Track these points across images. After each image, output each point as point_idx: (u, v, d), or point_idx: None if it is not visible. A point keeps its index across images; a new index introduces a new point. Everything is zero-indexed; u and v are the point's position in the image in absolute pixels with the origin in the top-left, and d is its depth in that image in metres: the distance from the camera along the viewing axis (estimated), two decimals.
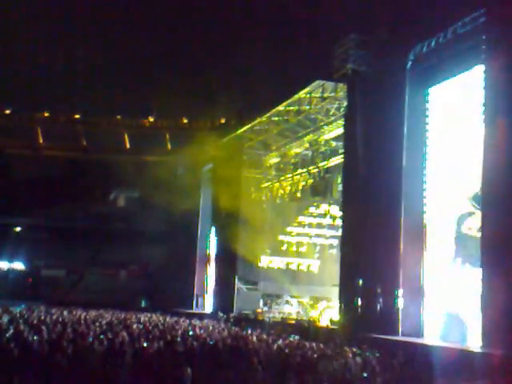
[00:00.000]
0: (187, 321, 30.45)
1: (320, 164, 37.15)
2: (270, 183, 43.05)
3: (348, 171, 30.53)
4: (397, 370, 15.40)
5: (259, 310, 38.47)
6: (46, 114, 64.25)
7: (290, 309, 39.20)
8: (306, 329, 29.34)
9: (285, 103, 35.14)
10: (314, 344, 20.10)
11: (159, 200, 47.19)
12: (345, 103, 31.37)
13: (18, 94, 63.01)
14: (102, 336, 18.19)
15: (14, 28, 57.69)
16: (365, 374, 14.50)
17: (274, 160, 43.08)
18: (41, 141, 64.49)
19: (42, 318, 26.23)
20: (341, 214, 33.50)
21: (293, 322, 33.81)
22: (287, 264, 42.84)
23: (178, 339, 18.60)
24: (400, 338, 23.78)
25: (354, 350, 18.41)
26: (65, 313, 31.77)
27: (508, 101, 20.38)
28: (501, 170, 20.33)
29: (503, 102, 20.57)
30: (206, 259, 47.51)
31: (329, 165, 36.83)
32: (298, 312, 38.59)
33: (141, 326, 24.24)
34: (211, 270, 46.42)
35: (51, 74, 61.25)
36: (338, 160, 35.43)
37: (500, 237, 19.93)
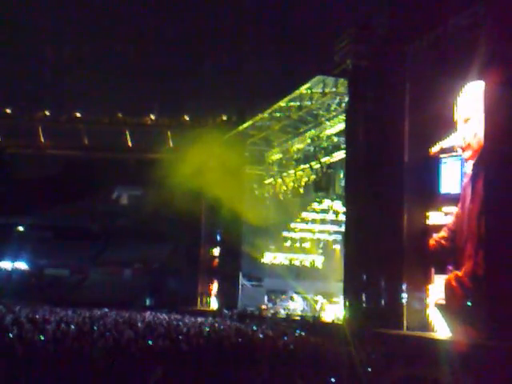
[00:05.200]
0: (192, 319, 30.46)
1: (322, 159, 37.10)
2: (272, 179, 43.01)
3: (350, 166, 30.50)
4: (401, 364, 15.39)
5: (264, 307, 38.45)
6: (47, 113, 64.21)
7: (295, 305, 39.19)
8: (311, 324, 29.36)
9: (286, 99, 35.08)
10: (319, 339, 20.09)
11: (162, 198, 47.20)
12: (346, 98, 31.29)
13: (18, 93, 63.10)
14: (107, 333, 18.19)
15: (16, 26, 57.75)
16: (369, 369, 14.48)
17: (276, 156, 43.03)
18: (42, 140, 64.43)
19: (47, 317, 26.23)
20: (344, 209, 33.46)
21: (298, 317, 33.80)
22: (291, 260, 42.83)
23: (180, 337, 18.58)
24: (405, 332, 23.80)
25: (359, 345, 18.39)
26: (69, 312, 31.76)
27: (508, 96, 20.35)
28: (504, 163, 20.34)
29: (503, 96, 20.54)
30: (210, 256, 47.51)
31: (331, 160, 36.83)
32: (303, 308, 38.57)
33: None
34: (215, 267, 46.41)
35: (52, 72, 61.30)
36: (340, 155, 35.43)
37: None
